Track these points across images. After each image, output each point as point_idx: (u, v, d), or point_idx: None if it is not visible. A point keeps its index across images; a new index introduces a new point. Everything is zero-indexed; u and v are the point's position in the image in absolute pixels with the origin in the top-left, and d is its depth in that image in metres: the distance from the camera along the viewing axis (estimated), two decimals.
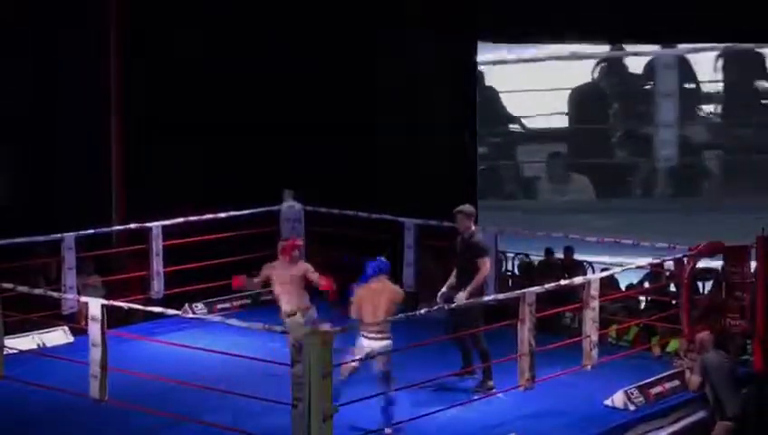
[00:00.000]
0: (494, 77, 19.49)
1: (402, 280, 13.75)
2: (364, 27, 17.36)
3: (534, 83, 19.50)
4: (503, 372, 10.83)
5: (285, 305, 11.00)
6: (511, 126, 19.03)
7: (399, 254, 13.70)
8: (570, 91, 18.79)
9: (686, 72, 19.99)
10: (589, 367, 10.99)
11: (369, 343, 9.66)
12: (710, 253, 12.44)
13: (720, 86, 20.58)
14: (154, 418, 9.81)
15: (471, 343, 10.92)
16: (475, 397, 10.50)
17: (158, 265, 13.34)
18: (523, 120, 19.46)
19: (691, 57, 19.95)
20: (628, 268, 12.30)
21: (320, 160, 17.02)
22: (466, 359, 11.10)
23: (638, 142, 19.12)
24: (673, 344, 12.22)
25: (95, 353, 10.10)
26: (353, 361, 9.60)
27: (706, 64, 19.94)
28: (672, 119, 19.23)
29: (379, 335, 9.67)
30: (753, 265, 11.89)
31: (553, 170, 20.99)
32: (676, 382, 11.04)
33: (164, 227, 13.35)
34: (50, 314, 12.31)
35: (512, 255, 16.56)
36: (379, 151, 17.50)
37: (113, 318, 10.70)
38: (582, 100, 19.74)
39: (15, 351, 11.41)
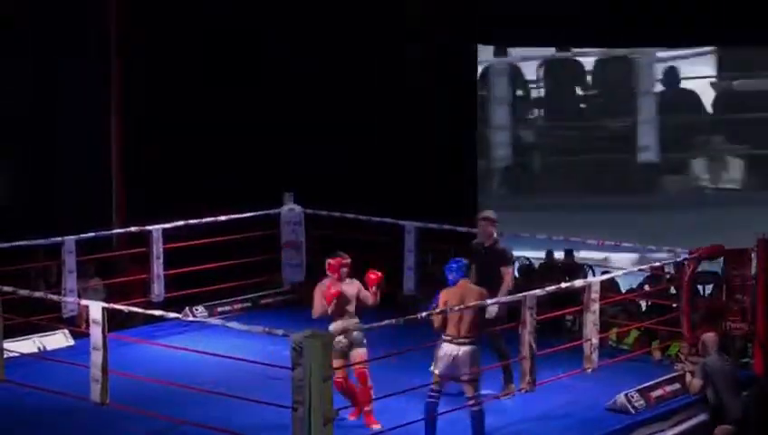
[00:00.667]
0: None
1: (402, 283, 13.78)
2: (365, 28, 17.36)
3: None
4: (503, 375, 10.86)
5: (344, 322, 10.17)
6: None
7: (400, 257, 13.70)
8: None
9: (517, 78, 22.35)
10: (589, 370, 10.98)
11: (453, 348, 9.31)
12: (710, 256, 12.44)
13: (543, 92, 22.89)
14: (155, 421, 9.81)
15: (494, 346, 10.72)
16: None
17: (158, 268, 13.32)
18: None
19: (521, 65, 22.37)
20: (629, 272, 12.30)
21: (320, 162, 17.02)
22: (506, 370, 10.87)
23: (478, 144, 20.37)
24: (673, 348, 12.22)
25: (96, 357, 10.09)
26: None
27: (533, 72, 22.36)
28: (505, 122, 20.99)
29: (466, 340, 9.37)
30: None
31: None
32: (677, 386, 11.04)
33: (164, 229, 13.34)
34: (50, 318, 12.30)
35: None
36: (378, 153, 17.48)
37: (114, 321, 10.69)
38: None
39: (16, 354, 11.40)
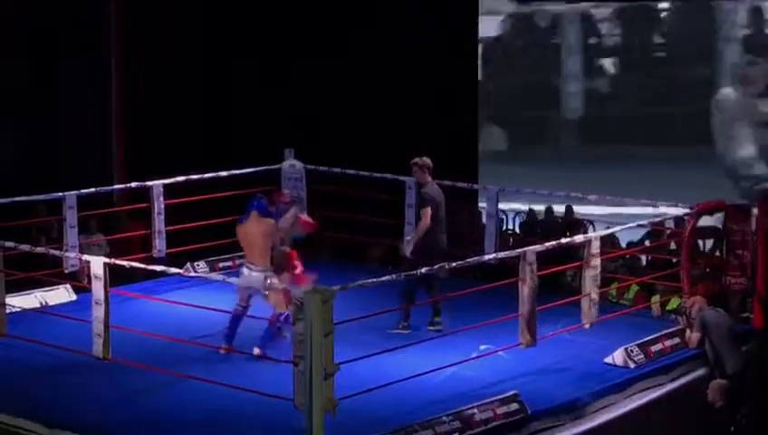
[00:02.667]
0: None
1: (403, 239, 13.79)
2: None
3: None
4: (504, 330, 10.88)
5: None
6: None
7: (401, 213, 13.71)
8: (481, 46, 19.24)
9: (589, 27, 21.03)
10: (589, 325, 11.02)
11: (246, 272, 10.48)
12: (711, 211, 12.45)
13: (619, 40, 21.69)
14: (157, 376, 9.86)
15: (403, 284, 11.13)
16: (475, 355, 10.50)
17: (159, 223, 13.33)
18: None
19: (594, 12, 21.04)
20: (629, 227, 12.33)
21: (320, 119, 17.01)
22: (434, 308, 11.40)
23: (548, 94, 19.70)
24: (673, 303, 12.25)
25: (98, 312, 10.12)
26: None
27: (607, 20, 21.05)
28: (577, 71, 19.79)
29: (257, 266, 10.40)
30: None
31: None
32: (677, 340, 11.08)
33: (165, 185, 13.35)
34: (52, 273, 12.33)
35: (512, 214, 16.62)
36: (377, 109, 17.46)
37: (116, 277, 10.72)
38: (492, 55, 20.27)
39: (18, 309, 11.44)
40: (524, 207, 16.45)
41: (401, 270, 10.67)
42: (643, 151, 20.43)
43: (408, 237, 11.91)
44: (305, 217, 12.05)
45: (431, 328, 11.29)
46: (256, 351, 10.22)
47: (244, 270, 10.57)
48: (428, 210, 11.34)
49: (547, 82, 20.78)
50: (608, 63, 21.75)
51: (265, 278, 10.35)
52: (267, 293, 10.39)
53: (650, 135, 20.70)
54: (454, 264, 10.36)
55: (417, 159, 11.65)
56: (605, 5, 20.74)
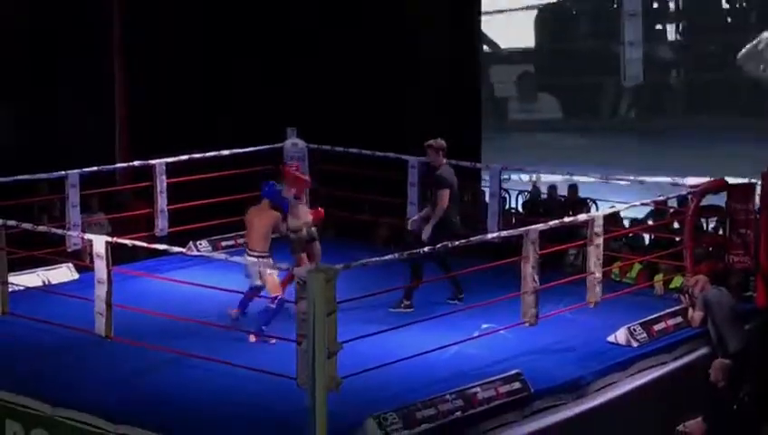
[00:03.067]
0: None
1: (406, 218, 13.77)
2: None
3: (504, 3, 19.39)
4: (507, 309, 10.88)
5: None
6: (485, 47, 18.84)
7: (404, 191, 13.70)
8: (537, 11, 18.62)
9: None
10: (592, 304, 11.01)
11: (246, 257, 10.60)
12: (714, 190, 12.43)
13: (682, 5, 20.63)
14: (159, 354, 9.86)
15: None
16: (477, 334, 10.51)
17: (162, 202, 13.32)
18: (494, 41, 19.30)
19: None
20: (633, 205, 12.31)
21: (322, 97, 16.97)
22: (455, 283, 11.37)
23: (605, 61, 19.03)
24: (676, 281, 12.24)
25: (101, 290, 10.13)
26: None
27: None
28: (638, 38, 18.82)
29: (254, 251, 10.56)
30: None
31: (523, 90, 20.97)
32: (679, 319, 11.08)
33: (168, 164, 13.33)
34: (54, 251, 12.32)
35: (515, 192, 16.58)
36: (379, 86, 17.41)
37: (118, 255, 10.71)
38: (550, 20, 19.63)
39: (21, 287, 11.44)
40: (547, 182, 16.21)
41: (409, 249, 10.65)
42: (711, 121, 19.25)
43: (414, 217, 11.86)
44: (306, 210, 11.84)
45: (454, 301, 11.32)
46: (252, 338, 10.23)
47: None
48: (446, 193, 11.29)
49: (605, 50, 19.89)
50: (670, 30, 20.66)
51: (258, 264, 10.40)
52: (261, 277, 10.47)
53: (713, 104, 19.53)
54: (456, 242, 10.35)
55: (431, 141, 11.55)
56: None
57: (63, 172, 12.63)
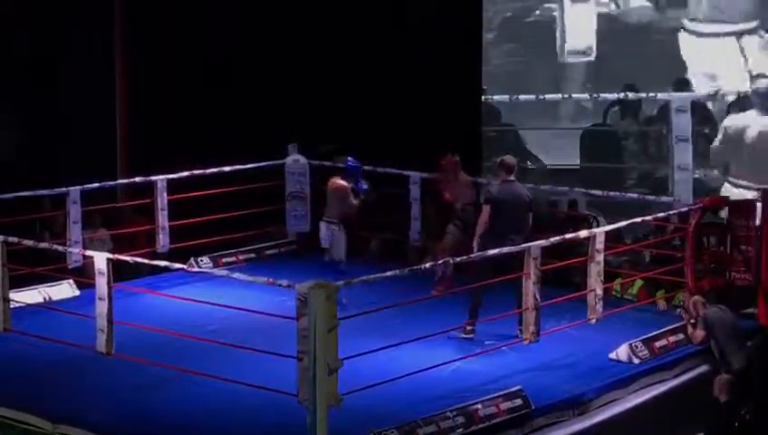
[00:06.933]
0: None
1: (409, 233, 13.80)
2: None
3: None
4: (507, 325, 10.88)
5: None
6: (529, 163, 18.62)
7: (407, 207, 13.71)
8: (582, 132, 18.37)
9: (701, 115, 18.23)
10: (593, 320, 11.01)
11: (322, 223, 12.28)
12: (715, 207, 12.43)
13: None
14: (160, 371, 9.85)
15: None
16: (479, 350, 10.52)
17: (163, 219, 13.34)
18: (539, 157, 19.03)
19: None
20: (633, 222, 12.30)
21: (325, 113, 16.95)
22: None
23: (655, 182, 18.59)
24: (678, 298, 12.23)
25: (102, 307, 10.12)
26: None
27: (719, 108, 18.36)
28: (687, 161, 18.46)
29: (328, 219, 12.20)
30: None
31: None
32: (681, 336, 11.07)
33: (169, 180, 13.34)
34: (56, 268, 12.33)
35: None
36: (380, 102, 17.38)
37: (119, 272, 10.71)
38: (595, 140, 19.21)
39: (22, 304, 11.44)
40: None
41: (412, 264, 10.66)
42: None
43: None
44: None
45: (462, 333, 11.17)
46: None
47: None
48: (485, 208, 11.24)
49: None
50: None
51: (327, 228, 12.10)
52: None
53: None
54: (458, 259, 10.36)
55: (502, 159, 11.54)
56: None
57: (65, 188, 12.64)
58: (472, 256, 10.57)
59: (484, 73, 17.48)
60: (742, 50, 17.05)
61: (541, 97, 17.35)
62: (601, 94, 17.70)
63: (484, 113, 17.65)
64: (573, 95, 17.94)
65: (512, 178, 11.27)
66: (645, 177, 17.42)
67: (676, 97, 16.14)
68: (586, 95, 18.06)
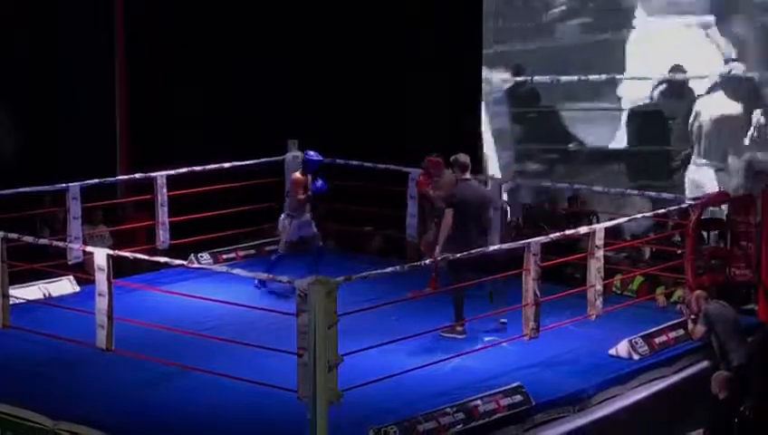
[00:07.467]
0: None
1: (405, 231, 13.79)
2: None
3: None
4: (507, 322, 10.88)
5: None
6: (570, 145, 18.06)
7: (405, 204, 13.70)
8: (628, 112, 17.79)
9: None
10: (593, 317, 11.01)
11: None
12: (716, 203, 12.43)
13: None
14: (160, 367, 9.85)
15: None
16: (478, 346, 10.51)
17: (163, 215, 13.33)
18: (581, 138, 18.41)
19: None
20: (634, 218, 12.31)
21: (324, 110, 16.96)
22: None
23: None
24: (677, 294, 12.24)
25: (101, 303, 10.11)
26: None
27: None
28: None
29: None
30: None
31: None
32: (681, 332, 11.07)
33: (169, 177, 13.34)
34: (55, 264, 12.32)
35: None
36: (380, 99, 17.38)
37: (120, 268, 10.71)
38: (642, 121, 18.62)
39: (21, 300, 11.44)
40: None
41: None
42: None
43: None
44: None
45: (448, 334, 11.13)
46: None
47: None
48: (447, 213, 11.11)
49: None
50: None
51: (281, 220, 12.47)
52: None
53: None
54: (458, 255, 10.35)
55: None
56: None
57: (65, 185, 12.63)
58: (458, 255, 10.49)
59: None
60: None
61: (583, 78, 16.97)
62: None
63: (523, 96, 17.27)
64: (617, 76, 17.27)
65: (467, 176, 11.19)
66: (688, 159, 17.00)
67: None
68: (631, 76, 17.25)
